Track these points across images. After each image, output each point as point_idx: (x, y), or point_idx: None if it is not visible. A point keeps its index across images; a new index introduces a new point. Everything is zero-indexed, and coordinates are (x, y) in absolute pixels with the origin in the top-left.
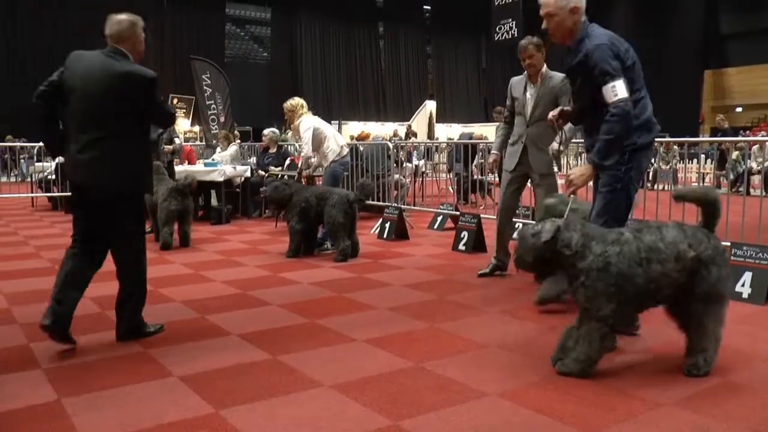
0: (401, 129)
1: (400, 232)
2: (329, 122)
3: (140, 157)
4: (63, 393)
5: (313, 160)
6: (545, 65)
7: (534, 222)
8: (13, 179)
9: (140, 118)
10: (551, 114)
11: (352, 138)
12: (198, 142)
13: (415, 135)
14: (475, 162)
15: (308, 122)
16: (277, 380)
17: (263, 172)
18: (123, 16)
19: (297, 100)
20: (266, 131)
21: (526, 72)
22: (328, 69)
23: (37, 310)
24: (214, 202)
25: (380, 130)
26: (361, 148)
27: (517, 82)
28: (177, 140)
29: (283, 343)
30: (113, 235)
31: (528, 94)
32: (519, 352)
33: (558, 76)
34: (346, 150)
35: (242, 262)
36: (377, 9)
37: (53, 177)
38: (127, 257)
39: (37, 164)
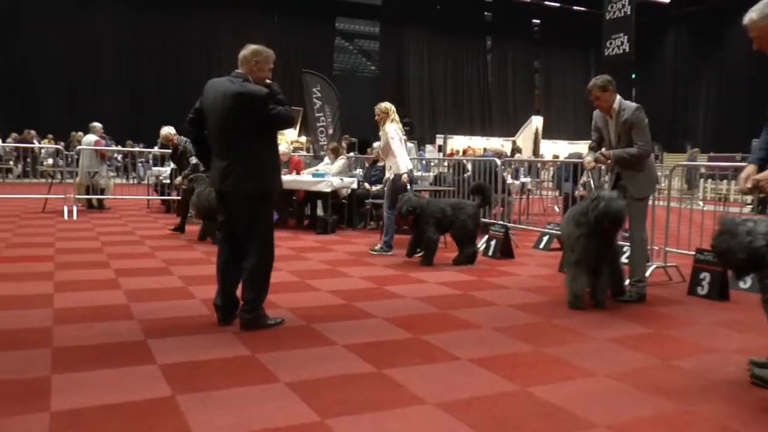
0: (507, 145)
1: (505, 250)
2: (435, 136)
3: (266, 161)
4: (177, 390)
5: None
6: (618, 98)
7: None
8: (131, 181)
9: (263, 127)
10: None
11: (457, 152)
12: (305, 153)
13: (520, 151)
14: (581, 180)
15: (394, 129)
16: (383, 394)
17: (369, 185)
18: (251, 46)
19: (389, 104)
20: (375, 144)
21: None
22: (435, 82)
23: (153, 308)
24: (320, 212)
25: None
26: (468, 165)
27: (598, 114)
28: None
29: (388, 357)
30: (247, 230)
31: (609, 127)
32: (629, 384)
33: (630, 107)
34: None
35: (347, 273)
36: (485, 23)
37: (168, 181)
38: (257, 251)
39: (153, 168)
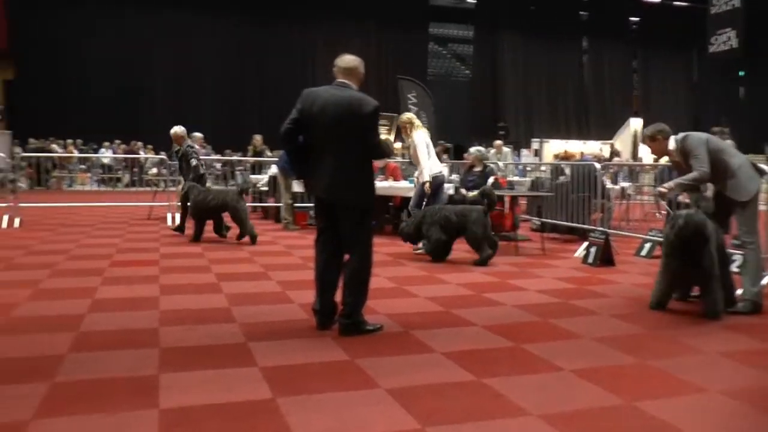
0: (605, 148)
1: (605, 257)
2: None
3: (369, 171)
4: (277, 392)
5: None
6: (672, 139)
7: None
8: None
9: (368, 137)
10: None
11: (555, 157)
12: (401, 159)
13: (618, 154)
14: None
15: (421, 137)
16: (483, 403)
17: (465, 191)
18: (350, 56)
19: (411, 114)
20: (472, 149)
21: None
22: (529, 85)
23: (253, 311)
24: None
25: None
26: (566, 169)
27: None
28: (192, 161)
29: (488, 366)
30: (347, 238)
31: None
32: (745, 402)
33: (677, 141)
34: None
35: (445, 280)
36: (581, 23)
37: (266, 189)
38: (357, 257)
39: (251, 176)
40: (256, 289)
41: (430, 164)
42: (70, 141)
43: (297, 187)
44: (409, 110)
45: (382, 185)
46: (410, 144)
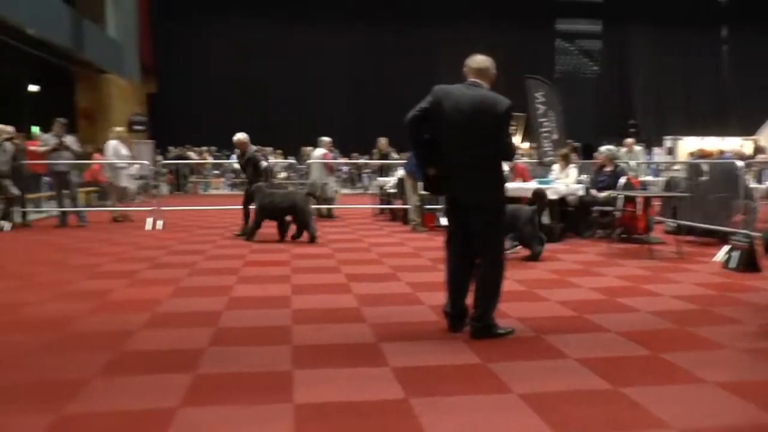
0: (747, 144)
1: (749, 262)
2: (662, 138)
3: (501, 172)
4: (409, 392)
5: None
6: None
7: None
8: (357, 191)
9: (495, 140)
10: None
11: (690, 155)
12: (529, 160)
13: (763, 151)
14: None
15: None
16: (620, 414)
17: (596, 192)
18: (482, 56)
19: None
20: (602, 149)
21: None
22: (662, 79)
23: (383, 312)
24: (546, 220)
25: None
26: (704, 167)
27: None
28: (262, 164)
29: (624, 374)
30: (480, 239)
31: None
32: None
33: None
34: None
35: (576, 283)
36: (720, 11)
37: (394, 191)
38: (489, 260)
39: (378, 179)
40: (386, 290)
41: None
42: (205, 148)
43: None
44: (536, 110)
45: (511, 186)
46: None
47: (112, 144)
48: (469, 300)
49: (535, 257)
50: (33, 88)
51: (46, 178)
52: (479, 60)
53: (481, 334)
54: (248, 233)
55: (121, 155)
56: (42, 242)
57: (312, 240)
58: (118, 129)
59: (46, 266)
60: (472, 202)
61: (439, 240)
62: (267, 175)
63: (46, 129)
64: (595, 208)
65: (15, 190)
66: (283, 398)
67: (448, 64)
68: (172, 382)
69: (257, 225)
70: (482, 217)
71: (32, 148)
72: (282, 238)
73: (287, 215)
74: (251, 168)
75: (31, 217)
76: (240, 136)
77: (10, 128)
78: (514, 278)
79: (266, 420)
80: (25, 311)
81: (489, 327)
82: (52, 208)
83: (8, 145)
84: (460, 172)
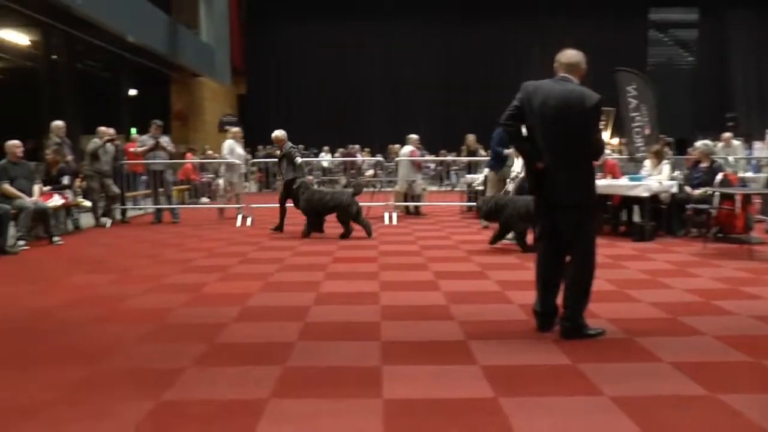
0: None
1: None
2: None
3: (592, 169)
4: (499, 392)
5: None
6: None
7: None
8: (444, 189)
9: (584, 136)
10: None
11: None
12: (619, 156)
13: None
14: None
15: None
16: (720, 421)
17: (690, 188)
18: (573, 51)
19: None
20: (697, 143)
21: None
22: (764, 69)
23: (472, 310)
24: (636, 217)
25: None
26: None
27: None
28: (297, 160)
29: (723, 380)
30: (570, 237)
31: None
32: None
33: None
34: None
35: (669, 284)
36: None
37: (482, 188)
38: (579, 258)
39: (467, 176)
40: (474, 288)
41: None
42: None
43: (511, 186)
44: (627, 104)
45: (601, 183)
46: None
47: (228, 143)
48: (559, 299)
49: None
50: (132, 92)
51: (143, 177)
52: (569, 54)
53: (570, 334)
54: (304, 232)
55: (237, 154)
56: (139, 238)
57: (368, 234)
58: (234, 129)
59: (143, 260)
60: (562, 200)
61: (526, 238)
62: (302, 171)
63: (143, 131)
64: (690, 206)
65: (115, 189)
66: (372, 393)
67: (537, 60)
68: (263, 374)
69: (310, 221)
70: (572, 216)
71: (131, 149)
72: (306, 235)
73: (332, 213)
74: (287, 163)
75: (130, 213)
76: (278, 133)
77: (111, 130)
78: (604, 278)
79: (355, 414)
80: (125, 303)
81: (579, 327)
82: (148, 206)
83: (109, 146)
84: (550, 169)
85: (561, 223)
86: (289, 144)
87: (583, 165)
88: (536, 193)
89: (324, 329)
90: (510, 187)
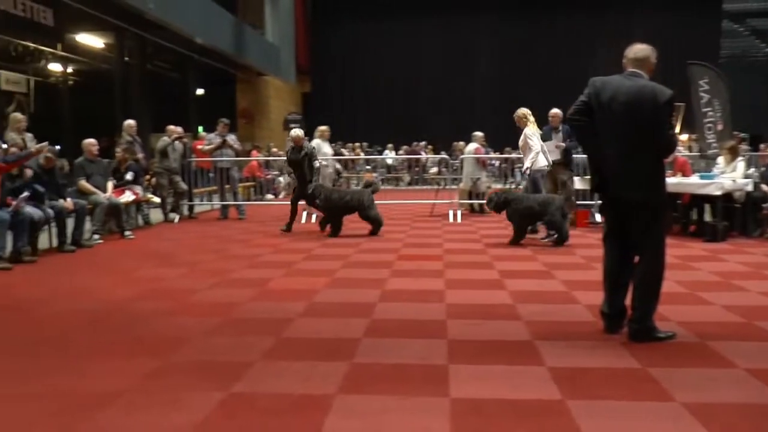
0: None
1: None
2: None
3: (661, 167)
4: (566, 394)
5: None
6: None
7: None
8: (508, 186)
9: (655, 133)
10: None
11: None
12: (689, 153)
13: None
14: None
15: (534, 131)
16: None
17: (766, 187)
18: (643, 45)
19: (526, 109)
20: None
21: None
22: None
23: (538, 310)
24: (707, 217)
25: None
26: None
27: None
28: (316, 163)
29: None
30: (639, 237)
31: None
32: None
33: None
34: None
35: (744, 287)
36: None
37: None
38: (648, 259)
39: None
40: (540, 288)
41: (539, 157)
42: (357, 144)
43: (580, 183)
44: (699, 99)
45: (671, 181)
46: (523, 135)
47: (315, 142)
48: (628, 301)
49: (563, 240)
50: (199, 91)
51: (210, 174)
52: (638, 49)
53: (640, 336)
54: (332, 233)
55: (324, 153)
56: (206, 233)
57: (374, 232)
58: (322, 128)
59: (210, 255)
60: (630, 198)
61: (591, 237)
62: (319, 174)
63: (209, 129)
64: (766, 204)
65: (184, 185)
66: (439, 392)
67: (604, 54)
68: (330, 369)
69: (335, 223)
70: (641, 215)
71: (199, 146)
72: (334, 234)
73: (354, 212)
74: (307, 164)
75: (197, 209)
76: (298, 132)
77: (179, 129)
78: (673, 279)
79: (423, 412)
80: (193, 296)
81: (649, 330)
82: (215, 202)
83: (178, 144)
84: (616, 166)
85: (629, 222)
86: (310, 145)
87: (652, 162)
88: (601, 191)
89: (390, 326)
90: (522, 184)
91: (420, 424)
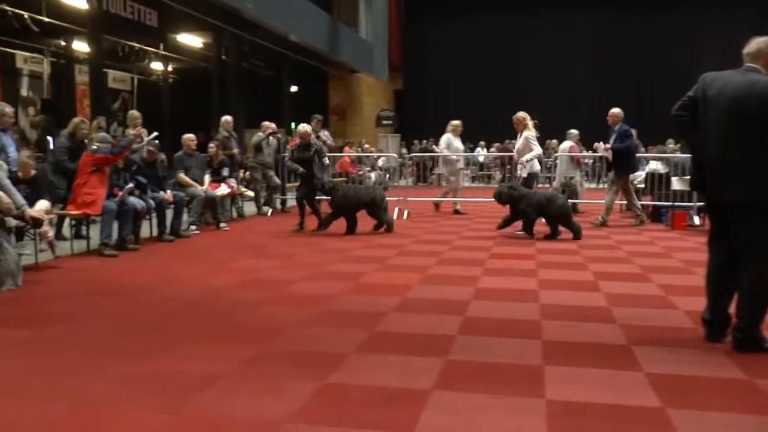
0: None
1: None
2: None
3: (762, 168)
4: (666, 402)
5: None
6: None
7: None
8: (601, 186)
9: (764, 131)
10: None
11: None
12: None
13: None
14: None
15: (533, 135)
16: None
17: None
18: (759, 38)
19: (525, 114)
20: None
21: None
22: None
23: (634, 314)
24: None
25: None
26: None
27: None
28: (325, 160)
29: None
30: (743, 242)
31: None
32: None
33: None
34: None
35: None
36: None
37: (642, 186)
38: (755, 266)
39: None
40: (636, 291)
41: (535, 161)
42: None
43: (678, 184)
44: None
45: None
46: (524, 138)
47: (446, 137)
48: (732, 308)
49: (576, 235)
50: (293, 88)
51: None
52: (755, 42)
53: (745, 346)
54: (349, 230)
55: (454, 148)
56: None
57: (389, 229)
58: (455, 123)
59: (303, 248)
60: (734, 200)
61: (692, 240)
62: (328, 171)
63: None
64: None
65: (277, 180)
66: (534, 393)
67: (719, 50)
68: (425, 365)
69: (351, 220)
70: (747, 217)
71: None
72: (351, 232)
73: (366, 208)
74: (317, 160)
75: (289, 204)
76: (306, 128)
77: (273, 125)
78: None
79: (518, 412)
80: (288, 288)
81: (755, 339)
82: None
83: (272, 140)
84: (721, 166)
85: (733, 225)
86: (319, 142)
87: (757, 162)
88: (700, 190)
89: (483, 324)
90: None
91: (515, 424)
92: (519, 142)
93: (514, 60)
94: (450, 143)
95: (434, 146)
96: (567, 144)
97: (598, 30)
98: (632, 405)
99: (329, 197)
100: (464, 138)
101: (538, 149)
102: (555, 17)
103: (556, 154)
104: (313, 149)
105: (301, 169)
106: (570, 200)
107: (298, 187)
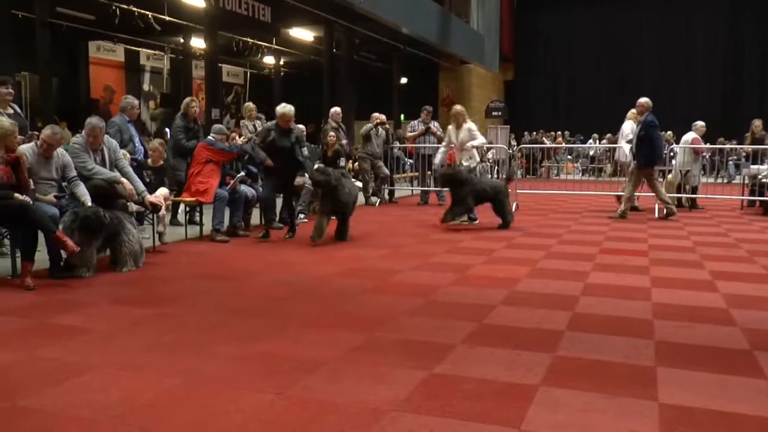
0: None
1: None
2: None
3: None
4: None
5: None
6: None
7: None
8: (719, 180)
9: None
10: None
11: None
12: None
13: None
14: None
15: (475, 127)
16: None
17: None
18: None
19: (462, 108)
20: None
21: None
22: None
23: (756, 317)
24: None
25: None
26: None
27: None
28: (305, 150)
29: None
30: None
31: None
32: None
33: None
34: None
35: None
36: None
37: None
38: None
39: (751, 167)
40: (759, 293)
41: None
42: (558, 133)
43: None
44: None
45: None
46: (465, 130)
47: (629, 124)
48: None
49: (506, 225)
50: (402, 80)
51: (409, 160)
52: None
53: None
54: (316, 232)
55: (626, 135)
56: (406, 217)
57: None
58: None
59: (410, 239)
60: None
61: None
62: (310, 163)
63: (411, 116)
64: None
65: (385, 170)
66: (646, 395)
67: None
68: (533, 360)
69: (328, 217)
70: None
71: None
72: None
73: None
74: (299, 149)
75: (397, 194)
76: (288, 109)
77: (382, 116)
78: None
79: (629, 414)
80: (395, 277)
81: None
82: (415, 187)
83: (381, 131)
84: None
85: None
86: (300, 127)
87: None
88: None
89: (593, 321)
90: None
91: (626, 425)
92: (462, 134)
93: (625, 49)
94: (623, 131)
95: (544, 138)
96: (690, 135)
97: (718, 21)
98: (753, 415)
99: (329, 195)
100: (575, 130)
101: (482, 138)
102: (665, 4)
103: (675, 146)
104: (293, 135)
105: (268, 160)
106: (686, 195)
107: (265, 182)
